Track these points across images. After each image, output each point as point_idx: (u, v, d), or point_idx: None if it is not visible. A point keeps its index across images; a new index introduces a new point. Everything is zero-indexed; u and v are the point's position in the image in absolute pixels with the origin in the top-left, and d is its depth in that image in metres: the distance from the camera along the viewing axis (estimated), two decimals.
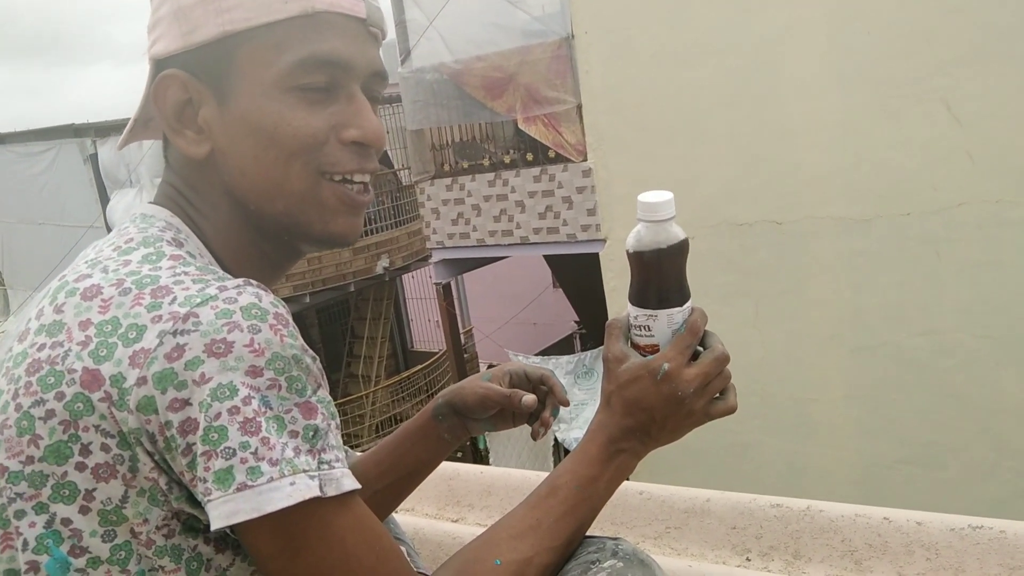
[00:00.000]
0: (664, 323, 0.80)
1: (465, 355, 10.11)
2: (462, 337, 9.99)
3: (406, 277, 14.48)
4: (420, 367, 12.58)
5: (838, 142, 5.62)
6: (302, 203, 0.76)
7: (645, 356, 0.81)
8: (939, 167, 5.29)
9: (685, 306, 0.80)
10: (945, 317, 5.45)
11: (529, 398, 0.96)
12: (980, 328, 5.34)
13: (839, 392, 5.94)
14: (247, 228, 0.78)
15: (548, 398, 1.00)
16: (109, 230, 10.86)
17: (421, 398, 12.39)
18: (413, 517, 1.48)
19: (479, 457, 8.41)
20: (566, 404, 1.00)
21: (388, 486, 1.01)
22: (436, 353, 12.84)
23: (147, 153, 10.07)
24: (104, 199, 11.39)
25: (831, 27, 5.51)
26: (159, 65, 0.76)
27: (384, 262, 12.01)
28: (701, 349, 0.81)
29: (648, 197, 0.78)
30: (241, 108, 0.74)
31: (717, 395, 0.82)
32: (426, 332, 15.00)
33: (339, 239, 0.79)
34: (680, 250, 0.79)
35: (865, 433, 5.89)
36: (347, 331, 13.71)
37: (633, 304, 0.82)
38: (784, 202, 5.89)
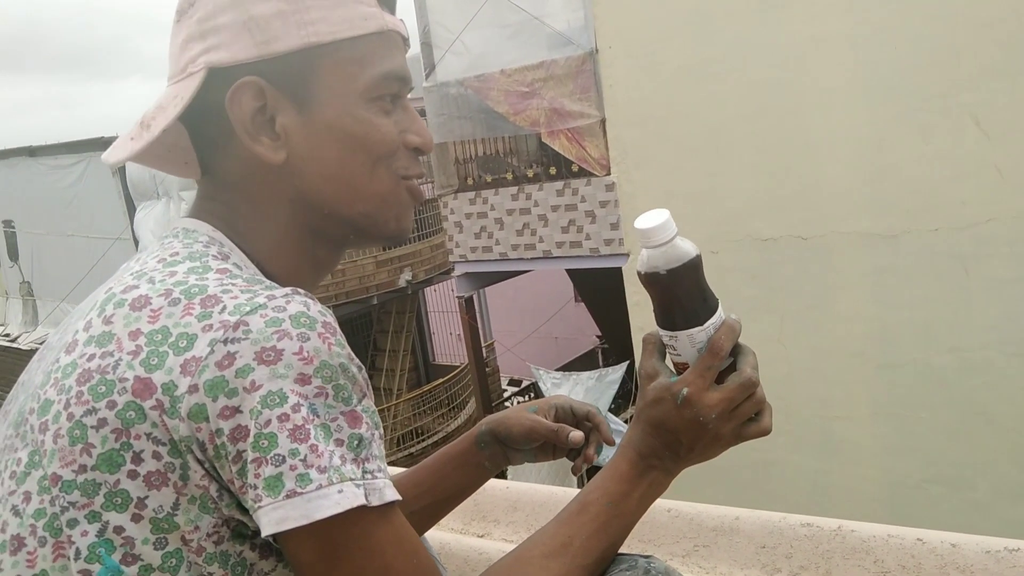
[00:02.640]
0: (687, 343, 0.78)
1: (487, 369, 10.12)
2: (484, 351, 9.99)
3: (428, 290, 14.52)
4: (442, 380, 12.59)
5: (864, 156, 5.58)
6: (383, 203, 0.80)
7: (679, 373, 0.80)
8: (967, 182, 5.24)
9: (708, 323, 0.77)
10: (974, 334, 5.38)
11: (576, 435, 0.97)
12: (1010, 346, 5.26)
13: (865, 410, 5.87)
14: (304, 234, 0.80)
15: (592, 434, 1.01)
16: (136, 242, 10.95)
17: (442, 411, 12.40)
18: (439, 532, 1.47)
19: (499, 473, 8.38)
20: (611, 443, 1.00)
21: (424, 507, 1.01)
22: (458, 367, 12.85)
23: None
24: (132, 211, 11.53)
25: (857, 40, 5.49)
26: (218, 74, 0.75)
27: (407, 275, 12.05)
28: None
29: (643, 222, 0.76)
30: (327, 116, 0.76)
31: (751, 416, 0.80)
32: (448, 345, 15.02)
33: (406, 232, 0.85)
34: (688, 270, 0.76)
35: (891, 452, 5.81)
36: (369, 344, 13.76)
37: (657, 324, 0.80)
38: (809, 217, 5.85)
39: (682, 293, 0.77)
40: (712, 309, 0.78)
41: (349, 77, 0.76)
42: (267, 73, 0.75)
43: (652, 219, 0.75)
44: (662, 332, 0.80)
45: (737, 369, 0.79)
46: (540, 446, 1.01)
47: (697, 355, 0.78)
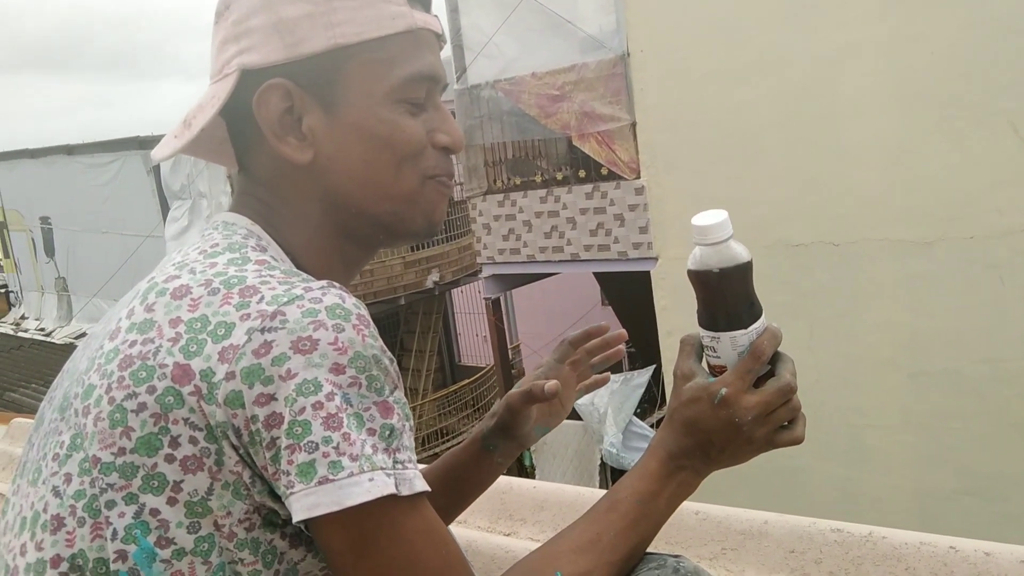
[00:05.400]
0: (728, 345, 0.78)
1: (512, 371, 10.10)
2: (510, 352, 9.99)
3: (455, 292, 14.56)
4: (467, 381, 12.62)
5: (898, 163, 5.51)
6: (410, 202, 0.82)
7: (715, 376, 0.80)
8: (1004, 190, 5.15)
9: (751, 328, 0.78)
10: (1008, 344, 5.29)
11: (551, 384, 0.97)
12: None
13: (895, 418, 5.79)
14: (335, 232, 0.81)
15: (597, 357, 1.11)
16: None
17: (467, 412, 12.42)
18: (465, 529, 1.48)
19: (525, 474, 8.38)
20: (604, 330, 1.09)
21: (439, 508, 1.02)
22: (483, 368, 12.86)
23: (206, 167, 10.31)
24: (164, 210, 11.70)
25: (892, 46, 5.42)
26: (250, 75, 0.77)
27: (434, 276, 12.09)
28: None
29: (701, 219, 0.76)
30: (353, 117, 0.78)
31: (785, 423, 0.80)
32: (474, 347, 15.04)
33: (436, 228, 0.86)
34: (739, 273, 0.76)
35: (922, 461, 5.73)
36: (396, 344, 13.82)
37: (699, 325, 0.80)
38: (841, 223, 5.78)
39: (730, 294, 0.78)
40: (757, 314, 0.79)
41: (375, 78, 0.78)
42: (295, 75, 0.77)
43: (710, 217, 0.76)
44: (704, 332, 0.80)
45: (776, 375, 0.79)
46: (543, 411, 1.04)
47: (737, 358, 0.78)
